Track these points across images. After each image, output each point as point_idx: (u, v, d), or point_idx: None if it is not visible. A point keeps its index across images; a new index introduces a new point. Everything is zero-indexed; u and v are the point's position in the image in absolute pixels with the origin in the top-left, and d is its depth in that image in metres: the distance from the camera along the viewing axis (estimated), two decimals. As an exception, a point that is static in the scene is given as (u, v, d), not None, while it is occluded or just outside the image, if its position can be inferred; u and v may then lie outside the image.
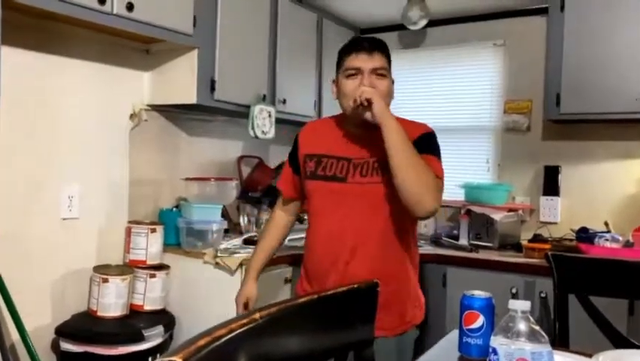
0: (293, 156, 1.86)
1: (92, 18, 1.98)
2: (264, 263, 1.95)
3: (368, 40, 1.67)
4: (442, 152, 1.68)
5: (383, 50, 1.66)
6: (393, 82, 1.70)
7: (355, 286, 1.06)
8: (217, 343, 0.70)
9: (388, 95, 1.64)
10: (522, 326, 0.84)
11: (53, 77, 2.24)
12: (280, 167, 3.14)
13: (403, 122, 1.65)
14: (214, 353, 0.68)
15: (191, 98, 2.44)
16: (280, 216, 1.95)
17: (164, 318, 2.34)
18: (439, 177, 1.58)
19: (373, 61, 1.61)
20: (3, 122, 1.65)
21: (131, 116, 2.56)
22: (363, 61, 1.61)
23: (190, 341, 0.68)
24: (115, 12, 2.03)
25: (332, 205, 1.70)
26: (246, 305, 1.95)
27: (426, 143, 1.63)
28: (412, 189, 1.50)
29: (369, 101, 1.54)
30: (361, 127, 1.64)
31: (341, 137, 1.72)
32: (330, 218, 1.70)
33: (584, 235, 2.62)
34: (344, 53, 1.68)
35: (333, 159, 1.70)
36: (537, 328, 0.84)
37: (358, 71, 1.61)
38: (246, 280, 1.96)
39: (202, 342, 0.68)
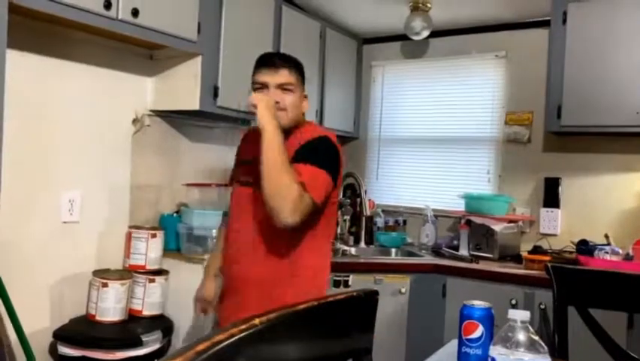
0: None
1: (98, 23, 1.99)
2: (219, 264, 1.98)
3: (277, 56, 1.81)
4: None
5: (290, 66, 1.74)
6: (305, 97, 1.80)
7: (354, 294, 1.06)
8: (216, 348, 0.70)
9: (293, 108, 1.72)
10: (521, 336, 0.84)
11: (57, 81, 2.25)
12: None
13: (310, 129, 1.76)
14: (213, 358, 0.68)
15: (194, 105, 2.46)
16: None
17: (163, 323, 2.34)
18: (306, 189, 1.55)
19: (279, 77, 1.70)
20: (6, 125, 1.66)
21: (134, 121, 2.57)
22: (269, 76, 1.71)
23: (189, 346, 0.68)
24: (120, 17, 2.04)
25: (236, 209, 1.84)
26: (204, 309, 2.00)
27: (306, 150, 1.65)
28: (268, 202, 1.53)
29: (255, 107, 1.60)
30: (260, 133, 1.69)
31: (252, 142, 1.74)
32: (232, 222, 1.84)
33: (584, 247, 2.62)
34: (255, 67, 1.77)
35: (246, 163, 1.81)
36: (536, 338, 0.84)
37: (264, 85, 1.71)
38: (204, 279, 2.03)
39: (201, 347, 0.68)
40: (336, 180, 1.69)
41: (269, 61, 1.74)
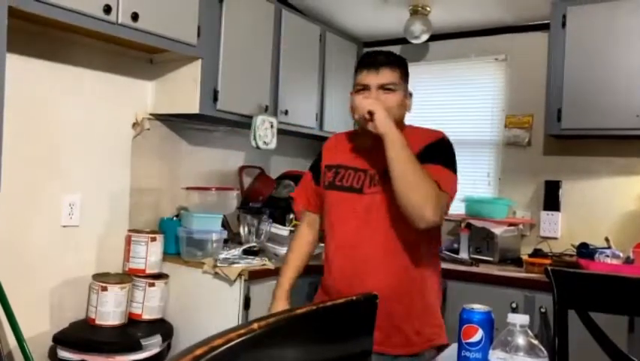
0: (315, 166, 1.87)
1: (98, 27, 1.99)
2: (293, 282, 1.85)
3: (378, 54, 1.69)
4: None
5: (393, 65, 1.67)
6: (410, 95, 1.74)
7: (354, 298, 1.05)
8: (214, 353, 0.69)
9: (398, 108, 1.65)
10: (521, 341, 0.83)
11: (57, 85, 2.25)
12: (281, 177, 3.15)
13: (415, 130, 1.69)
14: (211, 362, 0.67)
15: (194, 108, 2.46)
16: (304, 232, 1.89)
17: (163, 327, 2.34)
18: (441, 187, 1.54)
19: (380, 77, 1.63)
20: (6, 128, 1.66)
21: (134, 125, 2.57)
22: (370, 78, 1.64)
23: (187, 350, 0.67)
24: (120, 22, 2.04)
25: (347, 216, 1.70)
26: None
27: (432, 151, 1.62)
28: (409, 201, 1.49)
29: (371, 113, 1.55)
30: (374, 139, 1.61)
31: (358, 149, 1.74)
32: (345, 229, 1.69)
33: (585, 250, 2.61)
34: (356, 69, 1.71)
35: (350, 170, 1.72)
36: (536, 342, 0.83)
37: (366, 87, 1.65)
38: (276, 301, 1.82)
39: (199, 352, 0.67)
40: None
41: (369, 61, 1.67)
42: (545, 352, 0.84)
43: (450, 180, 1.60)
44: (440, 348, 1.69)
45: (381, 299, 1.66)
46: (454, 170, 1.64)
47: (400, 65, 1.70)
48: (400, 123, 1.67)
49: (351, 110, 1.69)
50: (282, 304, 1.80)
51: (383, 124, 1.54)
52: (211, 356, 0.68)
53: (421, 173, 1.51)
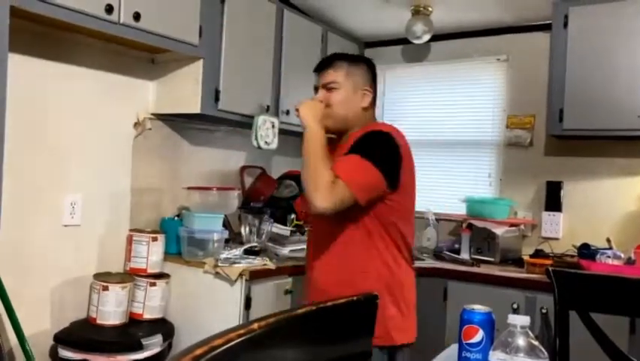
0: None
1: (99, 27, 2.00)
2: None
3: (325, 58, 1.87)
4: (399, 158, 1.69)
5: (335, 65, 1.78)
6: (366, 90, 1.79)
7: (354, 298, 1.05)
8: (214, 353, 0.69)
9: (342, 105, 1.75)
10: (521, 342, 0.83)
11: (59, 85, 2.26)
12: (282, 178, 3.15)
13: (370, 127, 1.73)
14: (211, 362, 0.68)
15: (196, 108, 2.46)
16: None
17: (164, 327, 2.34)
18: (341, 177, 1.57)
19: (323, 78, 1.79)
20: (8, 128, 1.66)
21: (135, 125, 2.57)
22: (318, 80, 1.82)
23: (186, 350, 0.67)
24: (122, 21, 2.05)
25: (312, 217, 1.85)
26: None
27: (357, 144, 1.66)
28: (304, 187, 1.61)
29: (297, 111, 1.71)
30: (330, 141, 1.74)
31: None
32: (311, 230, 1.88)
33: (586, 251, 2.61)
34: None
35: None
36: (536, 343, 0.83)
37: (316, 89, 1.83)
38: None
39: (199, 352, 0.67)
40: (391, 176, 1.63)
41: (317, 65, 1.84)
42: (546, 353, 0.83)
43: (357, 170, 1.59)
44: (391, 348, 1.71)
45: (320, 291, 1.69)
46: (374, 161, 1.60)
47: (340, 62, 1.78)
48: (352, 119, 1.75)
49: None
50: None
51: (302, 120, 1.68)
52: (211, 356, 0.68)
53: (319, 164, 1.58)
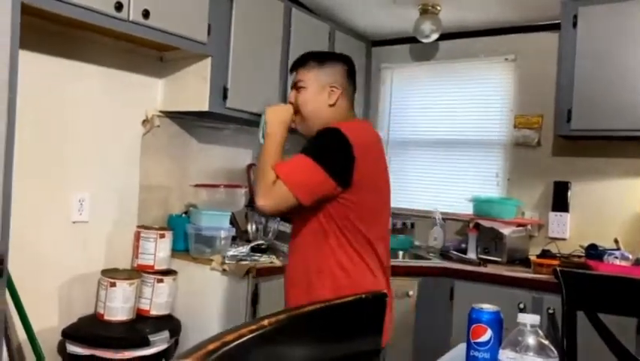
0: None
1: (109, 24, 2.01)
2: None
3: (300, 57, 1.83)
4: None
5: (303, 64, 1.78)
6: (333, 87, 1.75)
7: (363, 296, 1.06)
8: (226, 348, 0.70)
9: (310, 103, 1.74)
10: (531, 341, 0.83)
11: (68, 82, 2.27)
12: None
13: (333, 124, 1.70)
14: (223, 358, 0.68)
15: (204, 106, 2.47)
16: None
17: (170, 323, 2.35)
18: (278, 174, 1.57)
19: (294, 77, 1.80)
20: (18, 124, 1.67)
21: (144, 122, 2.58)
22: (291, 79, 1.84)
23: (199, 345, 0.68)
24: (131, 19, 2.06)
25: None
26: None
27: (308, 142, 1.67)
28: (254, 188, 1.66)
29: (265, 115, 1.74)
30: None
31: None
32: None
33: (594, 251, 2.60)
34: None
35: None
36: (546, 342, 0.83)
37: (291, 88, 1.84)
38: None
39: (211, 347, 0.68)
40: (340, 175, 1.56)
41: (292, 64, 1.83)
42: (556, 352, 0.83)
43: (297, 169, 1.57)
44: None
45: (285, 290, 1.74)
46: (319, 159, 1.56)
47: (317, 63, 1.77)
48: (319, 117, 1.73)
49: None
50: None
51: (268, 123, 1.73)
52: (223, 351, 0.69)
53: (266, 166, 1.61)
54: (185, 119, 2.74)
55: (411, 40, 3.38)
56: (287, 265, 1.78)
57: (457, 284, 2.68)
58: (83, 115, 2.33)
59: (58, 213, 2.27)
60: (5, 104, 1.60)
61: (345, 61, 1.83)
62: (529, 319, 0.87)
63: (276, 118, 1.72)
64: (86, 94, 2.34)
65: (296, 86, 1.77)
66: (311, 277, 1.65)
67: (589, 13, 2.67)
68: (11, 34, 1.61)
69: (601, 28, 2.65)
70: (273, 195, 1.55)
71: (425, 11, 3.05)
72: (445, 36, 3.21)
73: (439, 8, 3.04)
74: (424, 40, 3.16)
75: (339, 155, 1.58)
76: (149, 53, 2.53)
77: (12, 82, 1.62)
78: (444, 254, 3.02)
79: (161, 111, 2.63)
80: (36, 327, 2.07)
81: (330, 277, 1.62)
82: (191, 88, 2.53)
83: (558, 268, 1.62)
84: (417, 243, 3.32)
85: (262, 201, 1.56)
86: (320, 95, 1.73)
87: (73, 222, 2.32)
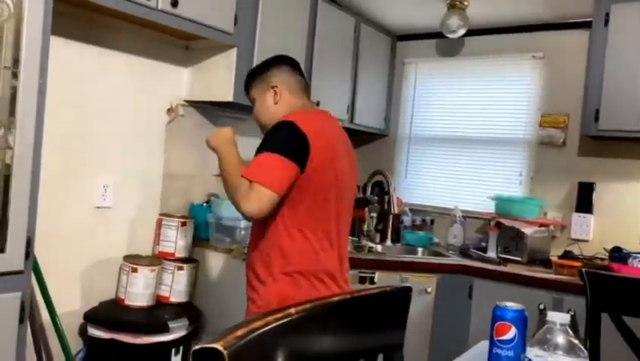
0: None
1: (138, 12, 2.02)
2: None
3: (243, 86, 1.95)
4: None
5: (247, 86, 1.91)
6: (272, 87, 1.83)
7: (387, 289, 1.05)
8: (253, 334, 0.70)
9: (263, 113, 1.85)
10: (560, 339, 0.82)
11: (97, 69, 2.30)
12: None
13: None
14: (251, 343, 0.68)
15: (228, 96, 2.48)
16: None
17: (189, 311, 2.38)
18: (249, 178, 1.59)
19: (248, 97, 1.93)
20: (46, 110, 1.69)
21: (168, 111, 2.60)
22: None
23: (228, 330, 0.68)
24: (160, 7, 2.07)
25: None
26: None
27: (262, 140, 1.70)
28: (233, 204, 1.66)
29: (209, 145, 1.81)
30: None
31: None
32: None
33: (618, 254, 2.56)
34: None
35: None
36: (576, 342, 0.82)
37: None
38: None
39: (240, 333, 0.69)
40: (299, 160, 1.62)
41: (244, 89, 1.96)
42: (585, 352, 0.82)
43: (262, 166, 1.61)
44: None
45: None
46: (279, 151, 1.61)
47: (256, 76, 1.89)
48: (271, 119, 1.79)
49: None
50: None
51: (214, 149, 1.79)
52: (251, 337, 0.70)
53: (233, 179, 1.65)
54: (209, 109, 2.76)
55: (436, 35, 3.35)
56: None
57: (476, 283, 2.66)
58: (108, 102, 2.36)
59: (83, 198, 2.30)
60: (36, 89, 1.62)
61: (282, 59, 1.91)
62: (559, 317, 0.86)
63: (219, 141, 1.78)
64: (112, 81, 2.36)
65: (252, 104, 1.89)
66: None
67: (621, 11, 2.62)
68: (43, 20, 1.62)
69: (634, 27, 2.59)
70: (254, 198, 1.58)
71: (453, 6, 3.02)
72: (471, 32, 3.17)
73: (466, 3, 3.01)
74: (451, 36, 3.13)
75: (292, 141, 1.65)
76: (175, 41, 2.55)
77: (43, 67, 1.64)
78: (463, 252, 3.00)
79: (185, 100, 2.65)
80: (59, 310, 2.10)
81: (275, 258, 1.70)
82: (216, 78, 2.53)
83: (584, 270, 1.60)
84: (436, 240, 3.30)
85: (246, 207, 1.59)
86: (266, 100, 1.85)
87: (97, 208, 2.35)
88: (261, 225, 1.71)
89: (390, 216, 3.22)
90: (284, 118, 1.70)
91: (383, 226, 3.28)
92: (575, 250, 2.87)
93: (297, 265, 1.67)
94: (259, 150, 1.65)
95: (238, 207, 1.62)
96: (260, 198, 1.58)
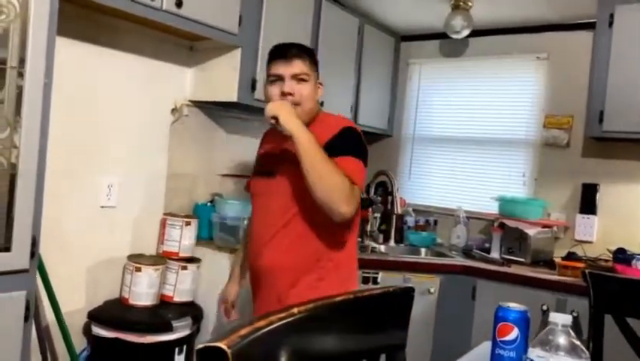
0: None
1: (143, 13, 2.03)
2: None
3: (290, 46, 1.72)
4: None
5: (303, 56, 1.70)
6: (320, 84, 1.77)
7: (391, 289, 1.06)
8: (257, 334, 0.71)
9: (309, 99, 1.68)
10: (562, 340, 0.82)
11: (100, 69, 2.30)
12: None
13: (325, 119, 1.73)
14: (255, 342, 0.69)
15: (232, 96, 2.48)
16: None
17: (193, 310, 2.38)
18: (352, 179, 1.55)
19: (293, 68, 1.66)
20: (51, 110, 1.70)
21: (173, 111, 2.61)
22: (282, 68, 1.67)
23: (232, 329, 0.69)
24: (164, 8, 2.08)
25: (260, 199, 1.79)
26: (227, 310, 2.01)
27: (342, 142, 1.63)
28: (321, 195, 1.52)
29: (276, 118, 1.57)
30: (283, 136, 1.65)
31: (277, 136, 1.70)
32: (257, 211, 1.79)
33: (622, 256, 2.56)
34: (268, 60, 1.73)
35: (269, 156, 1.81)
36: (578, 343, 0.82)
37: (279, 78, 1.68)
38: (229, 280, 2.06)
39: (243, 331, 0.69)
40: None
41: (282, 52, 1.70)
42: (587, 353, 0.82)
43: (360, 172, 1.63)
44: None
45: (268, 273, 1.69)
46: (363, 160, 1.65)
47: (310, 56, 1.74)
48: (312, 112, 1.71)
49: (266, 100, 1.74)
50: (231, 286, 2.02)
51: (288, 126, 1.55)
52: (254, 336, 0.70)
53: (329, 168, 1.52)
54: (213, 109, 2.76)
55: (440, 36, 3.35)
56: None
57: (479, 283, 2.66)
58: (113, 102, 2.37)
59: (88, 197, 2.31)
60: (41, 89, 1.63)
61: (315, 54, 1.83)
62: (561, 318, 0.86)
63: (293, 118, 1.57)
64: (117, 81, 2.37)
65: (297, 78, 1.67)
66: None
67: (626, 12, 2.61)
68: (49, 21, 1.63)
69: (637, 28, 2.58)
70: (354, 201, 1.58)
71: (457, 7, 3.02)
72: (475, 32, 3.17)
73: (470, 4, 3.01)
74: (455, 36, 3.13)
75: (366, 149, 1.70)
76: (179, 42, 2.55)
77: (48, 67, 1.65)
78: (467, 253, 3.00)
79: (190, 101, 2.66)
80: (63, 308, 2.11)
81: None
82: (220, 78, 2.54)
83: (587, 271, 1.60)
84: (439, 240, 3.30)
85: (348, 209, 1.54)
86: (315, 91, 1.73)
87: (102, 207, 2.36)
88: (317, 225, 1.64)
89: (394, 217, 3.23)
90: (349, 124, 1.70)
91: (386, 226, 3.29)
92: (579, 251, 2.87)
93: (352, 271, 1.77)
94: (348, 152, 1.60)
95: (337, 206, 1.52)
96: (356, 202, 1.60)
